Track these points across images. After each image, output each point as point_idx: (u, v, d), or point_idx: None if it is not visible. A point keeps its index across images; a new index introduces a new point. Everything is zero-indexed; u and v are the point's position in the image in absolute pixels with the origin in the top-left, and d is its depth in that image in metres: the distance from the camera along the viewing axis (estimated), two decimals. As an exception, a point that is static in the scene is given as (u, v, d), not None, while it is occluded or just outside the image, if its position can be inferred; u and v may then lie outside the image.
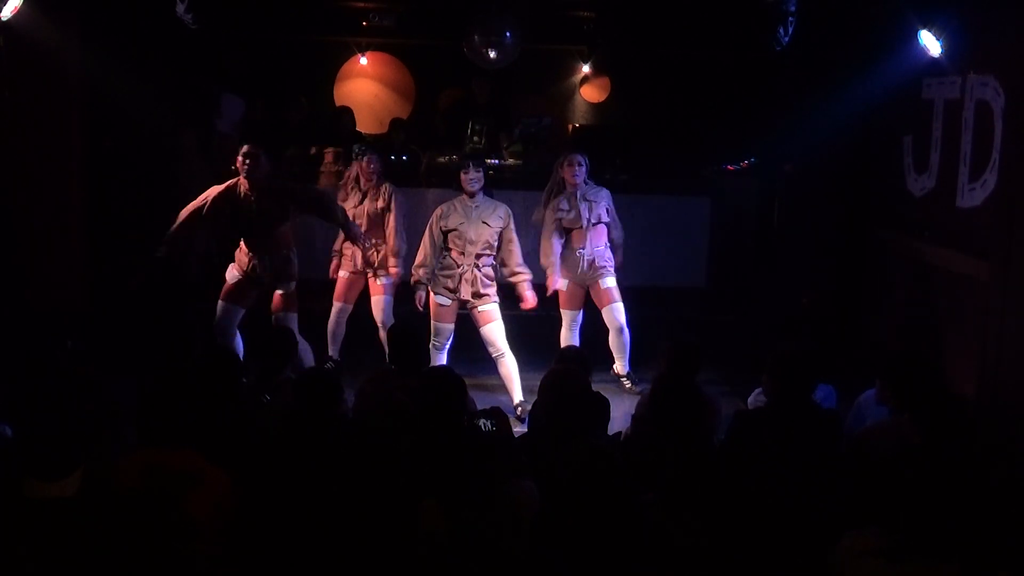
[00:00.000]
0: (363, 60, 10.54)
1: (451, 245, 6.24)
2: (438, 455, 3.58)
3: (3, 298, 6.78)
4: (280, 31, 9.48)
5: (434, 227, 6.26)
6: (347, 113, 9.37)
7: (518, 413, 6.12)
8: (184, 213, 6.09)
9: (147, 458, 3.46)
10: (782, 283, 8.08)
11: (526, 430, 4.48)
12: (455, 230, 6.20)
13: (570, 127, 10.36)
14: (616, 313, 6.67)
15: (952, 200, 6.34)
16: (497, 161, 8.82)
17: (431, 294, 6.32)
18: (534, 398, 4.47)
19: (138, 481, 3.38)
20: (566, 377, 4.24)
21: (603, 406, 4.64)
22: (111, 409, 4.74)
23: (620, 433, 4.79)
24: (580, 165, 6.54)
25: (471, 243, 6.21)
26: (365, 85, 10.65)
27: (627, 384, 6.83)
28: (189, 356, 5.19)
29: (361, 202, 6.75)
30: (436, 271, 6.29)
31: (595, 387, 4.78)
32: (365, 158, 6.76)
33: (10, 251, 6.97)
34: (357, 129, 9.46)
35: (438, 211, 6.30)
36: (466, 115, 9.44)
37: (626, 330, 6.71)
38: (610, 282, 6.68)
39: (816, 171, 7.98)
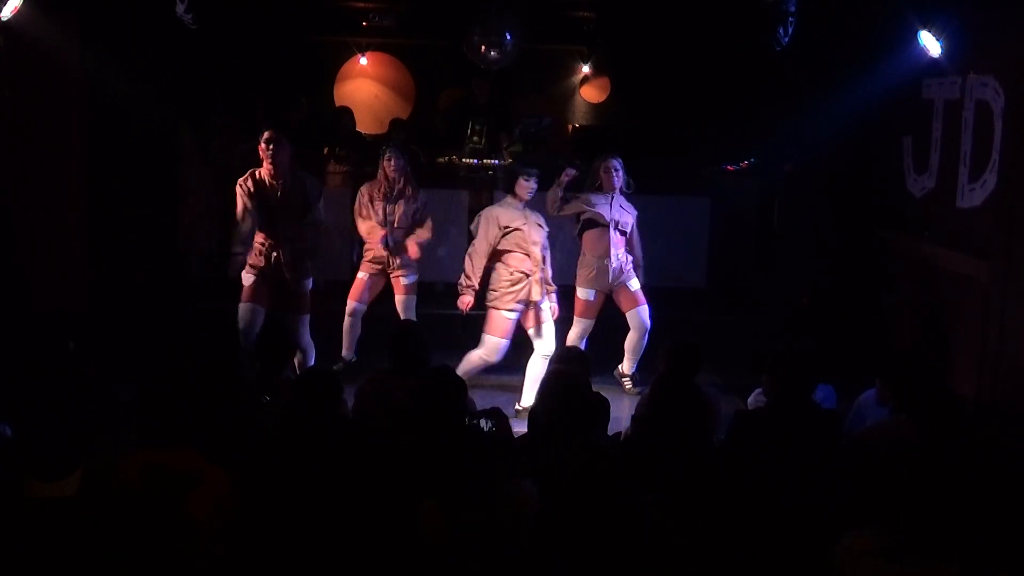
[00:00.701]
0: (363, 60, 10.55)
1: (512, 247, 6.17)
2: (438, 455, 3.57)
3: (3, 298, 6.77)
4: (280, 31, 9.49)
5: (491, 230, 6.14)
6: (347, 113, 9.37)
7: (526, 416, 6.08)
8: (239, 215, 6.17)
9: (147, 458, 3.46)
10: (782, 283, 8.08)
11: (526, 430, 4.48)
12: (519, 230, 6.16)
13: (570, 127, 10.37)
14: (644, 315, 6.68)
15: (952, 200, 6.33)
16: (497, 161, 8.81)
17: (497, 312, 6.19)
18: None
19: (138, 481, 3.37)
20: (566, 377, 4.24)
21: (603, 406, 4.64)
22: (111, 409, 4.74)
23: (620, 433, 4.79)
24: (618, 170, 6.59)
25: (535, 244, 6.21)
26: (365, 85, 10.65)
27: (628, 385, 6.84)
28: (189, 356, 5.18)
29: (389, 201, 6.69)
30: (500, 287, 6.18)
31: (595, 387, 4.77)
32: (385, 156, 6.72)
33: (10, 251, 6.97)
34: (357, 129, 9.46)
35: (492, 214, 6.21)
36: (466, 115, 9.44)
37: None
38: (636, 284, 6.71)
39: (816, 171, 7.98)
